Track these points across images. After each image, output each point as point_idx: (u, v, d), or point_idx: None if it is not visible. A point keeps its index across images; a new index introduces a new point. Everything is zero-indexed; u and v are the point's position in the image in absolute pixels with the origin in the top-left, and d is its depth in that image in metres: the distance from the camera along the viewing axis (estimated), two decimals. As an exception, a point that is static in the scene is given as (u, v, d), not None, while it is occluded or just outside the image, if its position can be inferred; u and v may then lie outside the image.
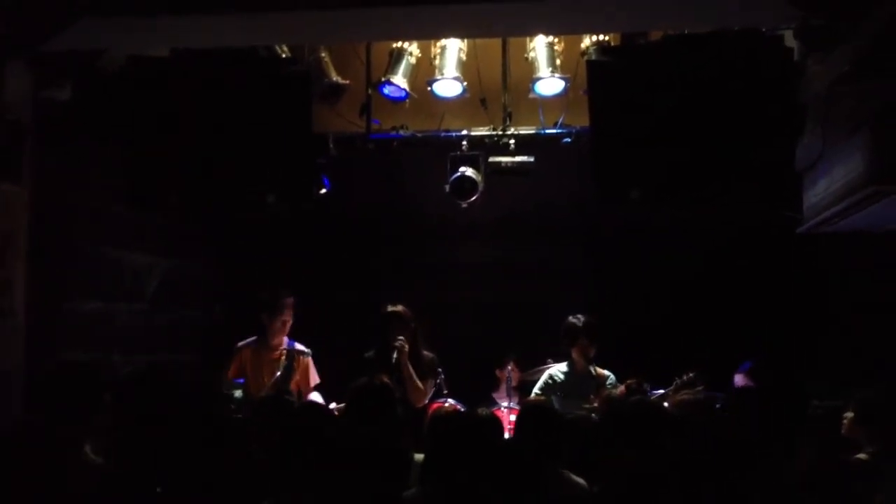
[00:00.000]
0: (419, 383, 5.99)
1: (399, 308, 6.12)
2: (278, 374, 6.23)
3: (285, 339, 6.45)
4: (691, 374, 5.92)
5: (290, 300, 6.43)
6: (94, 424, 3.76)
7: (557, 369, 6.32)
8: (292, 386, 6.28)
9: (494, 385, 7.70)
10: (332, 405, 5.92)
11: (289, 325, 6.41)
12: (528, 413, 4.27)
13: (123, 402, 3.83)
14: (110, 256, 6.49)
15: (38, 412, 3.93)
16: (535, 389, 6.31)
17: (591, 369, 6.08)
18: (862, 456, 4.20)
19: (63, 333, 5.87)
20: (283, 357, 6.37)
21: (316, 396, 6.37)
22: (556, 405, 4.94)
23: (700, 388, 5.75)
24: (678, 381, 5.95)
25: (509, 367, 7.23)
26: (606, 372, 6.18)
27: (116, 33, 5.12)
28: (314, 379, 6.46)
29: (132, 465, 3.54)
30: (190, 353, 7.52)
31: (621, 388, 5.91)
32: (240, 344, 6.43)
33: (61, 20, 4.81)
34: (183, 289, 7.54)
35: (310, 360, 6.42)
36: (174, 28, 5.15)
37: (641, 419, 3.77)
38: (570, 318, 6.23)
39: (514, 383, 7.05)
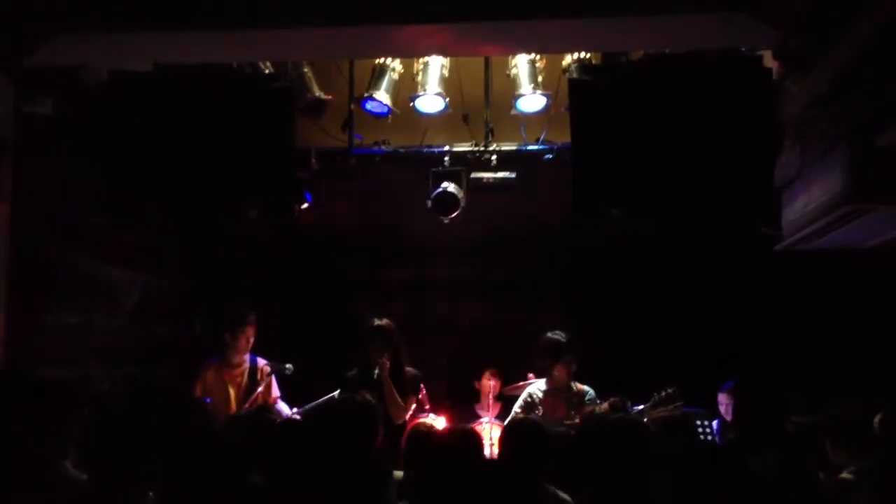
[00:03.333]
0: (400, 400, 5.98)
1: (383, 322, 6.12)
2: (260, 390, 6.23)
3: (247, 356, 6.44)
4: (669, 391, 5.94)
5: (252, 316, 6.42)
6: (73, 439, 3.74)
7: (536, 387, 6.31)
8: (259, 401, 6.26)
9: (476, 399, 7.72)
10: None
11: (252, 341, 6.40)
12: (513, 430, 4.27)
13: (104, 417, 3.80)
14: (90, 270, 6.46)
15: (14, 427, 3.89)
16: (515, 408, 6.31)
17: (571, 385, 6.07)
18: (846, 475, 4.20)
19: (42, 346, 5.85)
20: (246, 374, 6.38)
21: (283, 407, 6.38)
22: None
23: (679, 403, 5.77)
24: (656, 396, 5.97)
25: (491, 382, 7.25)
26: (585, 387, 6.18)
27: (98, 49, 5.11)
28: (276, 391, 6.47)
29: (115, 481, 3.52)
30: (168, 367, 7.50)
31: (604, 405, 5.92)
32: (204, 365, 6.44)
33: (42, 35, 4.80)
34: (162, 303, 7.52)
35: (273, 375, 6.40)
36: (156, 44, 5.15)
37: (622, 437, 3.78)
38: (552, 335, 6.18)
39: (494, 393, 7.04)
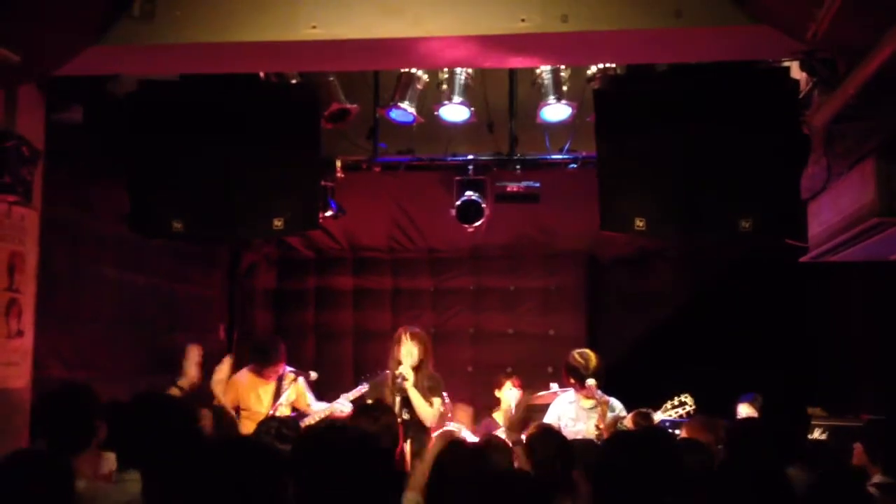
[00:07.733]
0: (427, 405, 5.97)
1: (414, 329, 6.14)
2: (285, 394, 6.31)
3: None
4: (682, 398, 5.94)
5: (279, 352, 6.54)
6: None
7: (565, 400, 6.27)
8: (291, 407, 6.35)
9: (495, 406, 7.69)
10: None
11: (280, 371, 6.50)
12: (536, 440, 4.26)
13: (122, 426, 3.82)
14: (116, 278, 6.52)
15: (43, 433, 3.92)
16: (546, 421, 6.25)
17: (598, 397, 5.99)
18: (871, 489, 4.17)
19: (69, 353, 5.90)
20: (277, 382, 6.49)
21: (320, 406, 6.47)
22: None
23: (691, 409, 5.82)
24: (669, 404, 5.98)
25: (513, 391, 7.22)
26: (612, 400, 6.12)
27: (128, 59, 5.15)
28: (311, 398, 6.56)
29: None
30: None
31: (628, 418, 5.90)
32: (235, 375, 6.53)
33: (73, 46, 4.84)
34: (186, 311, 7.57)
35: (302, 381, 6.48)
36: (183, 54, 5.17)
37: (649, 450, 3.76)
38: (577, 358, 6.02)
39: (515, 403, 7.01)
